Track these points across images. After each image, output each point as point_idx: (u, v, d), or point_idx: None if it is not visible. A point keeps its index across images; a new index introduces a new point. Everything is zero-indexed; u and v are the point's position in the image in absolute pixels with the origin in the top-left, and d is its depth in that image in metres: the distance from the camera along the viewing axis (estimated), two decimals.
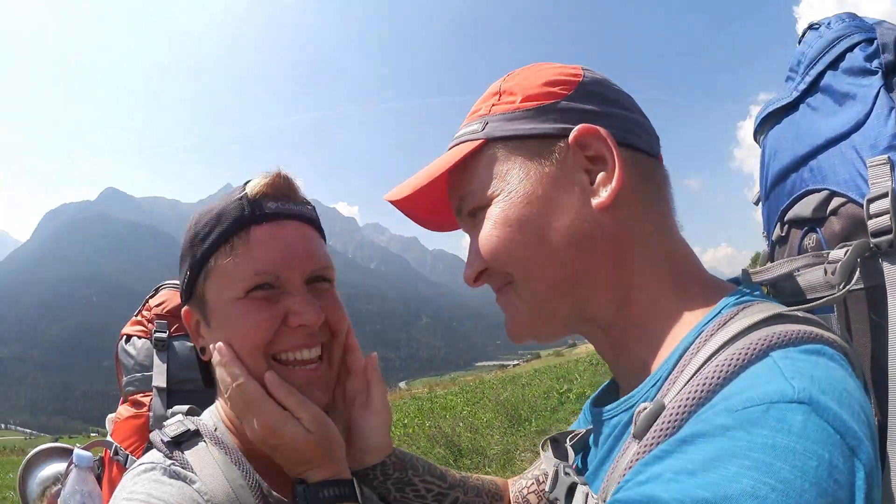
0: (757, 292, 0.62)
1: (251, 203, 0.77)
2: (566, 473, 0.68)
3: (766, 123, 0.82)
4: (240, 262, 0.75)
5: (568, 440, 0.76)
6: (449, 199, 0.74)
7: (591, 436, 0.73)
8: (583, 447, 0.75)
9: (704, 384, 0.49)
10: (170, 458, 0.76)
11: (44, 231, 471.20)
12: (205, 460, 0.76)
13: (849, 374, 0.50)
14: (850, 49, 0.68)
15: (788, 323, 0.54)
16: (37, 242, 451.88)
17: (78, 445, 1.26)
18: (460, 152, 0.67)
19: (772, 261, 0.79)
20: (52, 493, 1.29)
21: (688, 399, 0.50)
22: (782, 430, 0.41)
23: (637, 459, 0.51)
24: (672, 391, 0.54)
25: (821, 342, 0.51)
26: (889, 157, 0.59)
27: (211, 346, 0.80)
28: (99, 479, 1.23)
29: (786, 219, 0.76)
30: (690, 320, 0.60)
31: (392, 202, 0.73)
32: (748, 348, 0.50)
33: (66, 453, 1.35)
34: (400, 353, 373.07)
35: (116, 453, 1.23)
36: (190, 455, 0.77)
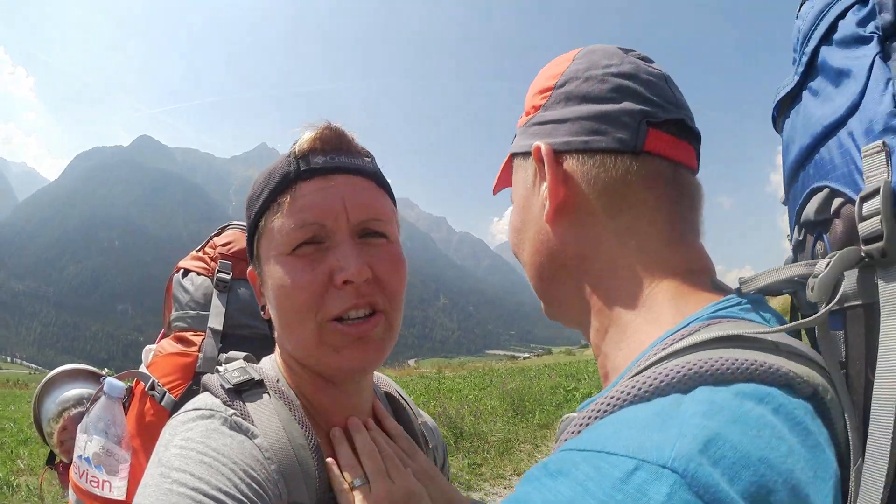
0: (747, 304, 0.52)
1: (297, 159, 0.74)
2: None
3: (781, 112, 0.70)
4: (286, 219, 0.72)
5: None
6: None
7: None
8: None
9: (606, 403, 0.44)
10: (231, 408, 0.70)
11: (72, 172, 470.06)
12: (268, 414, 0.71)
13: (800, 434, 0.39)
14: (842, 15, 0.55)
15: (746, 349, 0.44)
16: (64, 183, 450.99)
17: (105, 371, 1.17)
18: (503, 164, 0.73)
19: None
20: (70, 416, 1.21)
21: (587, 416, 0.45)
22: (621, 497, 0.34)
23: None
24: None
25: (776, 384, 0.42)
26: (884, 142, 0.47)
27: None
28: (124, 410, 1.14)
29: (801, 221, 0.64)
30: (654, 334, 0.52)
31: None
32: (673, 372, 0.42)
33: (91, 377, 1.28)
34: (414, 331, 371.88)
35: (153, 388, 1.15)
36: (252, 407, 0.71)
